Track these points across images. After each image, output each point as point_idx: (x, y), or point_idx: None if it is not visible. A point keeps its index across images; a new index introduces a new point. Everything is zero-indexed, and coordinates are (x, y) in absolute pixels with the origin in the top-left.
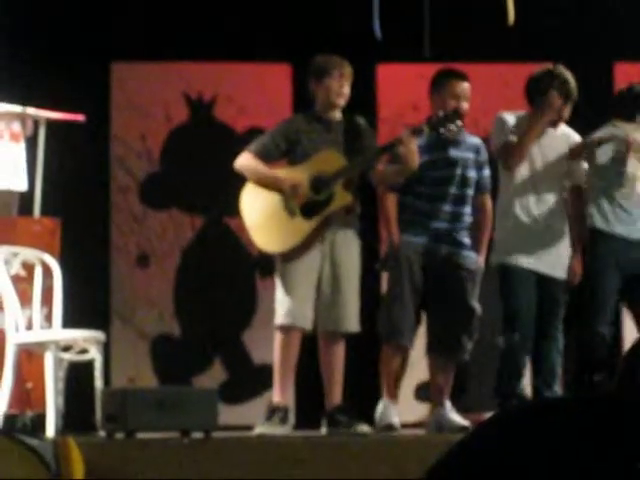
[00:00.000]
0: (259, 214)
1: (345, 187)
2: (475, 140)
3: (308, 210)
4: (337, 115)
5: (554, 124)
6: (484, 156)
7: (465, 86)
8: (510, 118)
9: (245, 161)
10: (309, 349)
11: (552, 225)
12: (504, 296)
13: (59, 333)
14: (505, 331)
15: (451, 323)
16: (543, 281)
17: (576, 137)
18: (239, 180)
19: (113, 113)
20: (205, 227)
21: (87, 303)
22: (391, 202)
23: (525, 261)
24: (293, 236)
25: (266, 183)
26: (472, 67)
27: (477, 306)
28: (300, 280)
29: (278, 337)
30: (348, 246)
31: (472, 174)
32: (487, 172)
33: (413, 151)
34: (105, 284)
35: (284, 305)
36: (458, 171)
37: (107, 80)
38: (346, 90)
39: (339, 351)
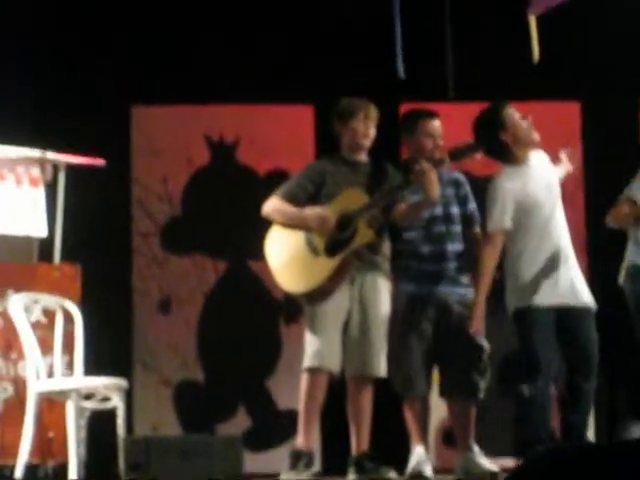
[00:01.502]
0: (283, 255)
1: (368, 224)
2: (454, 175)
3: (332, 248)
4: (363, 157)
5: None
6: (465, 189)
7: (437, 124)
8: (510, 194)
9: (273, 205)
10: (335, 392)
11: (559, 249)
12: (524, 342)
13: (81, 381)
14: (528, 378)
15: (460, 362)
16: (565, 314)
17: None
18: (262, 223)
19: (134, 156)
20: (228, 271)
21: (109, 350)
22: None
23: (540, 298)
24: (317, 275)
25: (293, 222)
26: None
27: (485, 343)
28: (328, 322)
29: (305, 379)
30: (377, 289)
31: (455, 210)
32: (472, 205)
33: (433, 182)
34: (127, 330)
35: (312, 347)
36: (439, 209)
37: (127, 123)
38: (372, 132)
39: (367, 396)
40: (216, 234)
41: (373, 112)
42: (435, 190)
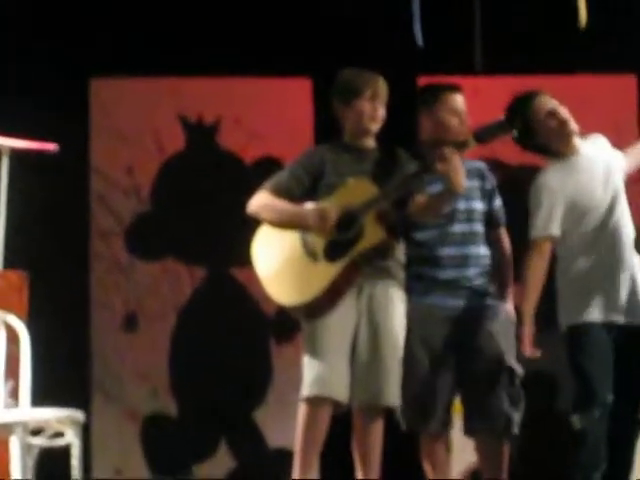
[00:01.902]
0: (275, 261)
1: (377, 222)
2: (478, 165)
3: (333, 251)
4: (370, 143)
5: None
6: (491, 183)
7: (461, 99)
8: (557, 195)
9: (261, 200)
10: (339, 423)
11: (619, 256)
12: (576, 365)
13: (27, 413)
14: (581, 407)
15: (488, 391)
16: (624, 333)
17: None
18: (249, 222)
19: (93, 141)
20: (207, 281)
21: (62, 375)
22: None
23: (595, 314)
24: (316, 284)
25: (286, 220)
26: (530, 80)
27: (517, 366)
28: (331, 341)
29: (303, 411)
30: (389, 301)
31: (479, 206)
32: (498, 202)
33: (457, 169)
34: (84, 352)
35: (312, 371)
36: (461, 204)
37: (85, 100)
38: (381, 113)
39: (377, 428)
40: (193, 235)
41: (382, 88)
42: (460, 179)
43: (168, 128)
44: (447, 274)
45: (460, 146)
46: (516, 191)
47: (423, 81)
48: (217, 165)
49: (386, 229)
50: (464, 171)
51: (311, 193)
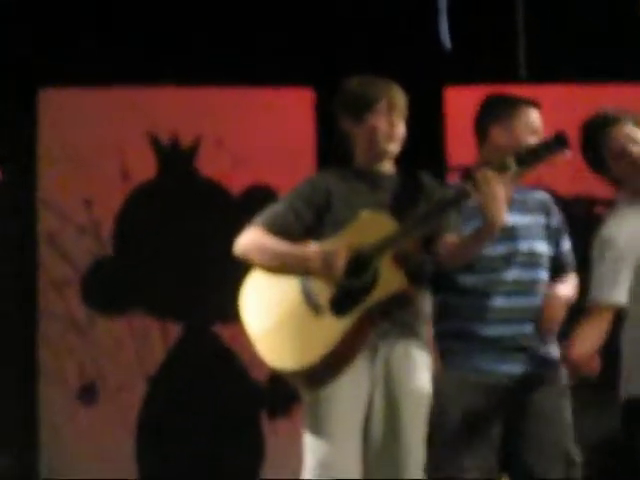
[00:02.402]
0: (268, 315)
1: (396, 265)
2: (541, 196)
3: (342, 303)
4: (387, 167)
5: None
6: (558, 219)
7: (538, 117)
8: (627, 255)
9: (252, 239)
10: None
11: None
12: (635, 444)
13: None
14: None
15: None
16: None
17: None
18: (236, 268)
19: (40, 166)
20: (185, 341)
21: (5, 461)
22: None
23: None
24: (319, 343)
25: (283, 264)
26: (576, 90)
27: (576, 452)
28: (339, 416)
29: None
30: (412, 365)
31: (543, 248)
32: (567, 244)
33: (496, 197)
34: (31, 429)
35: (316, 454)
36: (522, 245)
37: (31, 115)
38: (400, 130)
39: None
40: (166, 284)
41: (400, 99)
42: (498, 209)
43: (135, 150)
44: (497, 331)
45: (499, 169)
46: (570, 228)
47: (451, 93)
48: (196, 196)
49: (407, 274)
50: (506, 199)
51: (314, 230)
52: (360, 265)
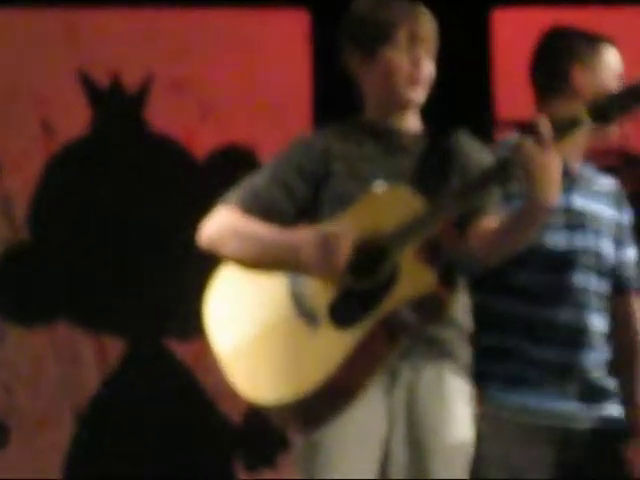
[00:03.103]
0: (245, 328)
1: (423, 258)
2: (612, 183)
3: (345, 311)
4: (410, 122)
5: None
6: (628, 218)
7: (617, 59)
8: None
9: (223, 224)
10: None
11: None
12: None
13: None
14: None
15: None
16: None
17: None
18: (200, 263)
19: None
20: (128, 362)
21: None
22: None
23: None
24: (315, 367)
25: (265, 255)
26: None
27: None
28: (344, 468)
29: None
30: (444, 397)
31: (609, 250)
32: (631, 252)
33: (549, 166)
34: None
35: None
36: (590, 241)
37: None
38: (426, 69)
39: None
40: (101, 283)
41: (427, 26)
42: (550, 183)
43: (60, 95)
44: (555, 355)
45: (566, 126)
46: None
47: (499, 16)
48: (145, 161)
49: (438, 272)
50: (568, 178)
51: (309, 210)
52: (372, 258)
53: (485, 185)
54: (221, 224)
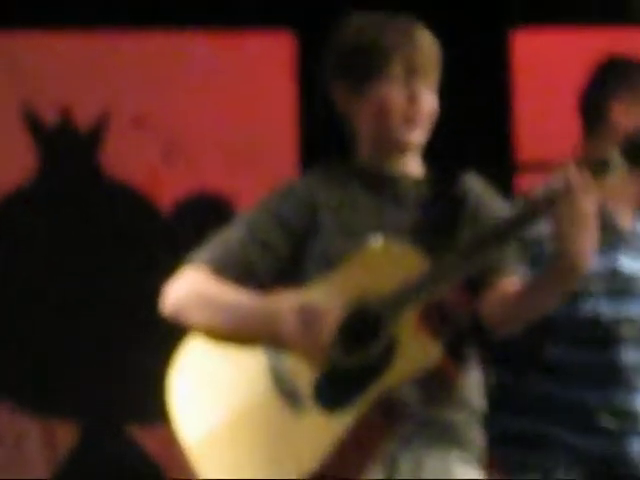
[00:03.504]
0: (216, 411)
1: (426, 326)
2: None
3: (333, 391)
4: (410, 166)
5: None
6: None
7: None
8: None
9: (190, 287)
10: None
11: None
12: None
13: None
14: None
15: None
16: None
17: None
18: (163, 333)
19: None
20: (82, 449)
21: None
22: None
23: None
24: (299, 458)
25: (239, 326)
26: None
27: None
28: None
29: None
30: None
31: None
32: None
33: (583, 217)
34: None
35: None
36: (636, 307)
37: None
38: (426, 105)
39: None
40: (49, 354)
41: (427, 53)
42: (587, 240)
43: (2, 134)
44: (598, 444)
45: (597, 170)
46: None
47: (521, 38)
48: (100, 209)
49: (444, 343)
50: (606, 226)
51: (291, 270)
52: (365, 328)
53: (500, 241)
54: (188, 288)
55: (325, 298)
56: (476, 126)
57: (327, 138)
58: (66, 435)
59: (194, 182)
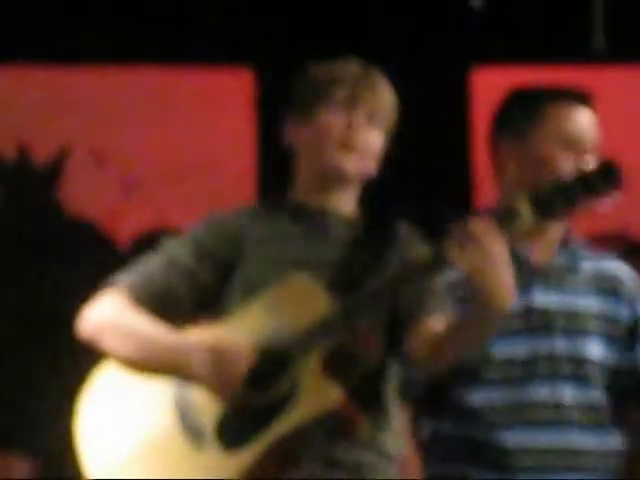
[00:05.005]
0: (120, 443)
1: (329, 369)
2: (608, 264)
3: (235, 430)
4: (343, 203)
5: None
6: (636, 304)
7: (589, 121)
8: None
9: (106, 313)
10: None
11: None
12: None
13: None
14: None
15: None
16: None
17: None
18: (77, 359)
19: None
20: None
21: None
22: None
23: None
24: None
25: (151, 358)
26: None
27: None
28: None
29: None
30: None
31: (599, 353)
32: None
33: (494, 263)
34: None
35: None
36: (560, 344)
37: None
38: (367, 136)
39: None
40: (7, 392)
41: (375, 91)
42: (500, 283)
43: None
44: None
45: (502, 218)
46: None
47: (481, 76)
48: (58, 246)
49: (348, 386)
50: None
51: (212, 299)
52: (272, 368)
53: (402, 285)
54: (103, 313)
55: (237, 336)
56: (435, 165)
57: (285, 173)
58: (20, 471)
59: (153, 217)
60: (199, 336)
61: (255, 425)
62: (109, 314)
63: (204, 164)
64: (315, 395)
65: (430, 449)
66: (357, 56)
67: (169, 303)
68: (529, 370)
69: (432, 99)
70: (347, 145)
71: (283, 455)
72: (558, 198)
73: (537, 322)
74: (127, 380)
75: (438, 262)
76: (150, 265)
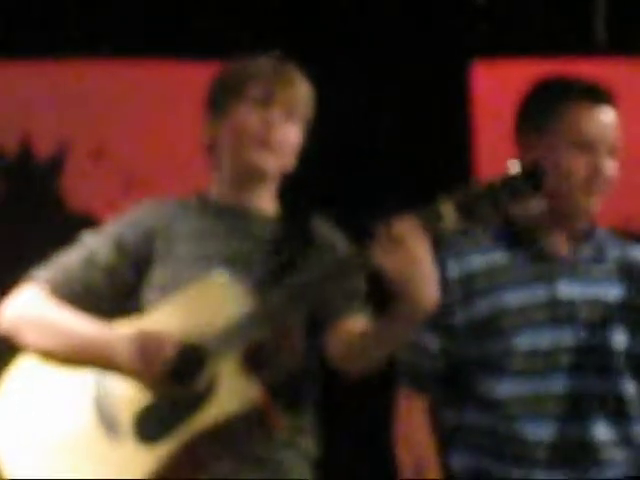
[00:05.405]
0: (40, 438)
1: (247, 368)
2: (634, 252)
3: (152, 424)
4: (262, 200)
5: None
6: None
7: (609, 119)
8: None
9: (25, 305)
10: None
11: None
12: None
13: None
14: None
15: None
16: None
17: None
18: None
19: None
20: None
21: None
22: (416, 417)
23: None
24: None
25: (73, 351)
26: None
27: None
28: None
29: None
30: None
31: (622, 343)
32: None
33: (419, 257)
34: None
35: None
36: (587, 334)
37: None
38: (283, 133)
39: None
40: None
41: (292, 88)
42: (421, 281)
43: None
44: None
45: (428, 219)
46: None
47: (481, 69)
48: (61, 243)
49: (268, 382)
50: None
51: (130, 293)
52: (193, 363)
53: (326, 283)
54: (23, 306)
55: (162, 328)
56: (435, 157)
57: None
58: None
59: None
60: (122, 327)
61: (173, 420)
62: (28, 307)
63: (205, 159)
64: (233, 391)
65: (452, 441)
66: (357, 52)
67: (88, 297)
68: (552, 361)
69: (433, 92)
70: (265, 143)
71: (200, 453)
72: (483, 203)
73: (562, 313)
74: (44, 373)
75: (360, 262)
76: (69, 259)
